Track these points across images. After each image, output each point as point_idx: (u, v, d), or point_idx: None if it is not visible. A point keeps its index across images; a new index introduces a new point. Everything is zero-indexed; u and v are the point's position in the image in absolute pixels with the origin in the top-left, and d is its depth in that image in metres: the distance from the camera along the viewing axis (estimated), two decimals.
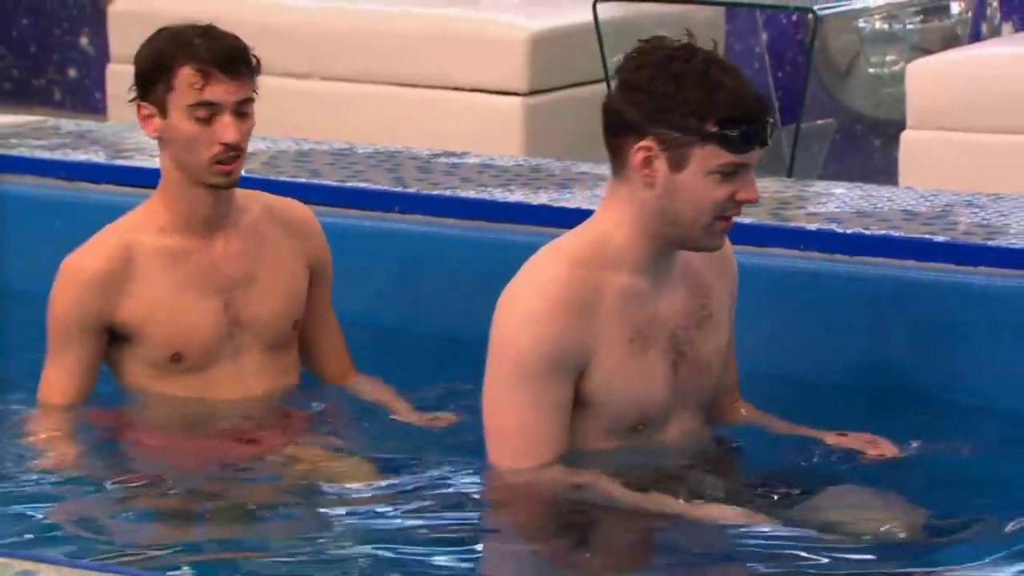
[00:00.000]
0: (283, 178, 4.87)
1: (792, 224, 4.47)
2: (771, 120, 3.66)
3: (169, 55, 3.88)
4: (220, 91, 3.85)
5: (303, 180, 4.86)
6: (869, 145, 6.51)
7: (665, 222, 3.67)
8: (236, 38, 3.92)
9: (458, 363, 4.30)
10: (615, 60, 6.27)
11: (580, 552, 3.66)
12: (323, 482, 3.85)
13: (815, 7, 5.89)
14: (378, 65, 6.53)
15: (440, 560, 3.51)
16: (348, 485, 3.83)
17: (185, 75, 3.85)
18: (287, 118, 6.19)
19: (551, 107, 6.41)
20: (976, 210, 4.39)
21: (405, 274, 4.64)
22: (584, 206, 4.58)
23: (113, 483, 3.79)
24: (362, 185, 4.81)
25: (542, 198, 4.66)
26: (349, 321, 4.21)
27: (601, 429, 3.75)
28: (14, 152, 5.12)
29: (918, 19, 6.36)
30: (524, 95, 6.39)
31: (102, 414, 4.03)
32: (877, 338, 4.21)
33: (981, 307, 4.10)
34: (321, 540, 3.56)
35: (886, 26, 6.46)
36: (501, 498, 3.81)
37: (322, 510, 3.74)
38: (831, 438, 3.91)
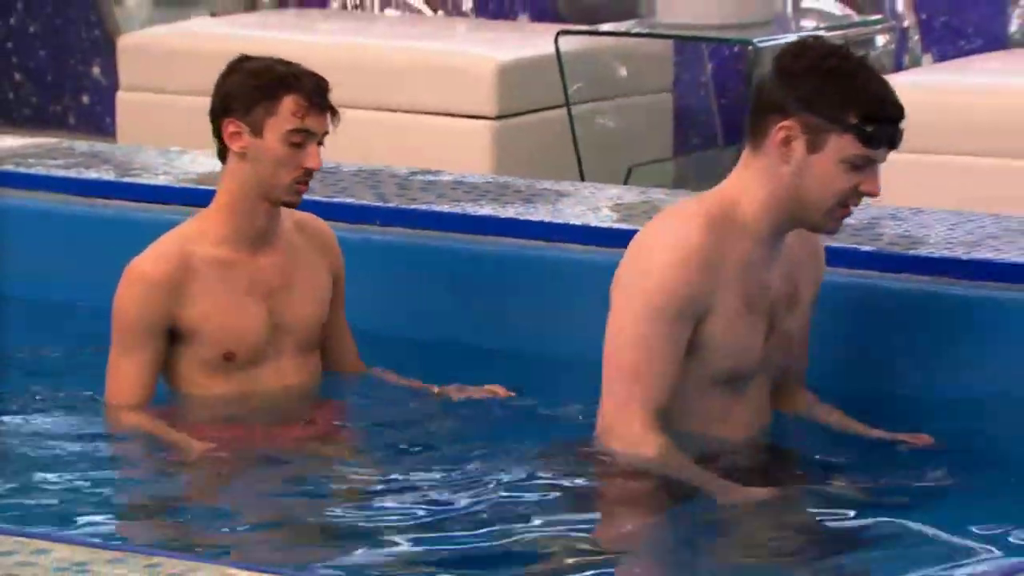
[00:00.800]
0: None
1: None
2: (903, 126, 3.71)
3: (276, 84, 3.92)
4: (315, 123, 3.91)
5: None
6: None
7: (792, 198, 3.71)
8: (325, 79, 3.98)
9: (447, 362, 4.34)
10: (575, 87, 6.30)
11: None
12: (357, 462, 3.91)
13: (754, 40, 5.90)
14: (363, 93, 6.51)
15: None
16: (380, 466, 3.88)
17: (289, 104, 3.90)
18: None
19: (517, 130, 6.41)
20: (899, 222, 4.39)
21: (386, 281, 4.62)
22: (547, 219, 4.58)
23: (178, 470, 3.85)
24: (347, 200, 4.80)
25: (509, 212, 4.65)
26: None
27: (702, 378, 3.77)
28: (33, 170, 5.10)
29: None
30: (493, 119, 6.38)
31: (163, 411, 4.01)
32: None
33: (906, 311, 4.10)
34: (362, 515, 3.61)
35: None
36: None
37: (361, 488, 3.78)
38: (890, 438, 3.91)
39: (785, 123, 3.68)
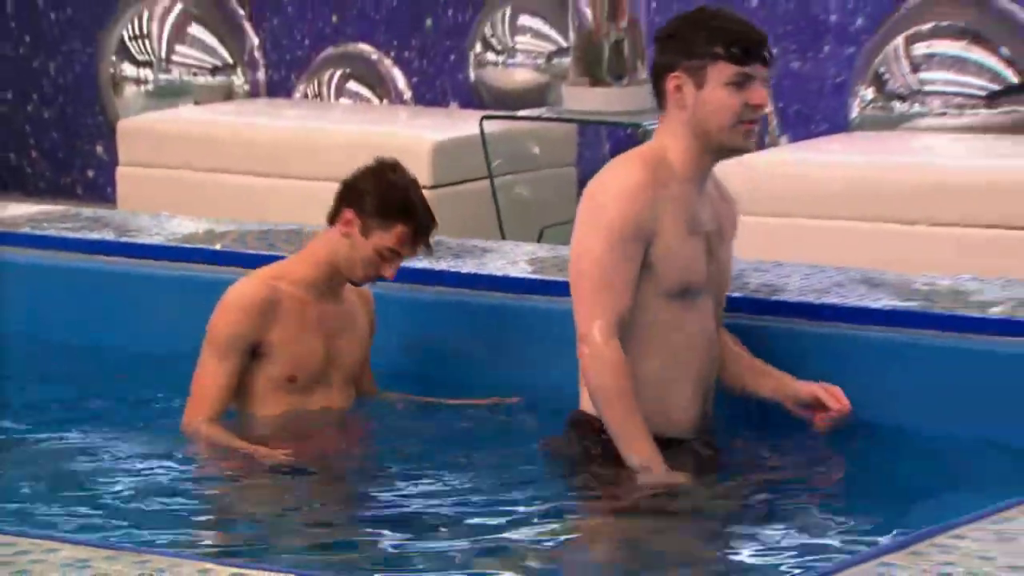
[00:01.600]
0: (248, 251, 4.84)
1: None
2: (770, 47, 3.78)
3: (397, 211, 4.01)
4: (409, 252, 4.05)
5: (264, 253, 4.83)
6: None
7: (700, 132, 3.74)
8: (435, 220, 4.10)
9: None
10: (496, 162, 6.32)
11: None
12: (385, 468, 3.95)
13: (643, 123, 5.92)
14: (321, 167, 6.49)
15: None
16: (410, 470, 3.90)
17: (399, 231, 3.99)
18: (253, 207, 6.18)
19: (449, 197, 6.41)
20: (762, 273, 4.40)
21: None
22: (474, 271, 4.57)
23: (239, 476, 3.88)
24: None
25: (442, 265, 4.65)
26: None
27: (656, 292, 3.76)
28: (46, 232, 5.07)
29: None
30: (429, 188, 6.36)
31: (232, 424, 4.04)
32: None
33: (769, 347, 4.09)
34: (392, 511, 3.63)
35: None
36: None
37: (398, 489, 3.78)
38: (800, 384, 3.89)
39: (672, 75, 3.74)
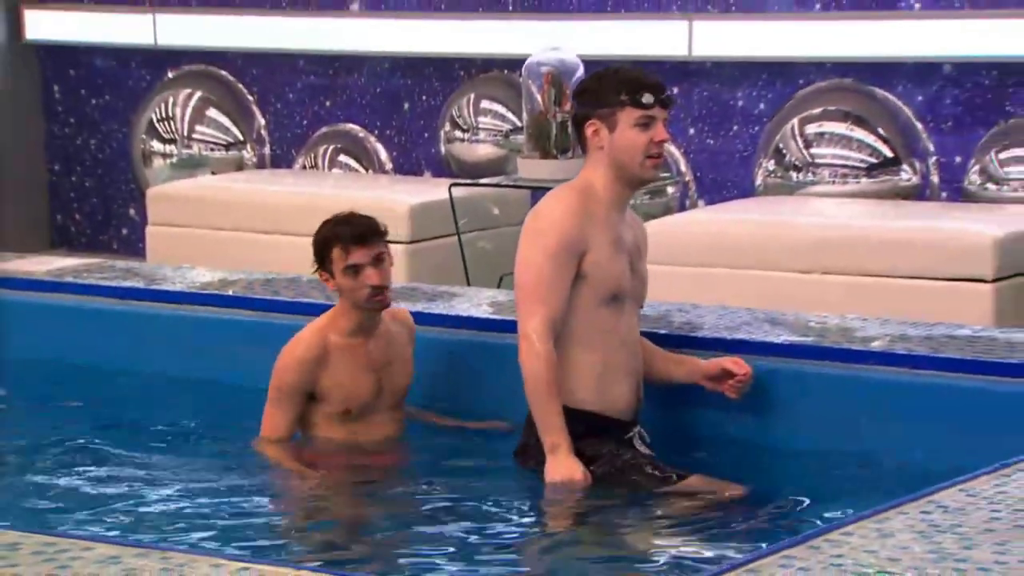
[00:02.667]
0: (255, 296, 4.82)
1: None
2: (668, 89, 3.85)
3: (324, 244, 3.94)
4: (361, 254, 3.91)
5: (269, 298, 4.81)
6: None
7: (616, 166, 3.78)
8: (365, 220, 3.96)
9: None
10: (463, 221, 6.31)
11: None
12: (420, 481, 3.89)
13: None
14: (313, 225, 6.46)
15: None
16: (435, 482, 3.84)
17: (336, 253, 3.92)
18: (260, 260, 6.16)
19: (423, 251, 6.40)
20: (684, 314, 4.40)
21: None
22: (445, 312, 4.54)
23: (310, 489, 3.83)
24: (306, 300, 4.76)
25: (419, 307, 4.62)
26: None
27: (593, 298, 3.77)
28: (86, 281, 5.05)
29: (646, 196, 6.41)
30: (407, 243, 6.37)
31: (297, 447, 3.99)
32: None
33: None
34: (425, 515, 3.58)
35: (632, 200, 6.48)
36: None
37: (448, 497, 3.74)
38: (707, 363, 3.91)
39: (590, 123, 3.78)
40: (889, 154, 6.15)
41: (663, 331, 4.15)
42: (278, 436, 3.96)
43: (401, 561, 3.39)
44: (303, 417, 3.99)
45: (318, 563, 3.29)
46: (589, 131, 3.78)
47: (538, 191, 6.45)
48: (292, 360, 3.95)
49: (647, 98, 3.76)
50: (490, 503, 3.70)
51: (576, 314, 3.75)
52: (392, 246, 6.34)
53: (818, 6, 6.21)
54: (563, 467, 3.66)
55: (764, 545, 2.94)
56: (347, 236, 3.92)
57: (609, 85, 3.78)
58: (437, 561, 3.36)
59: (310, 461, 3.94)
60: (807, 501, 3.68)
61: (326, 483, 3.87)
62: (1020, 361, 3.88)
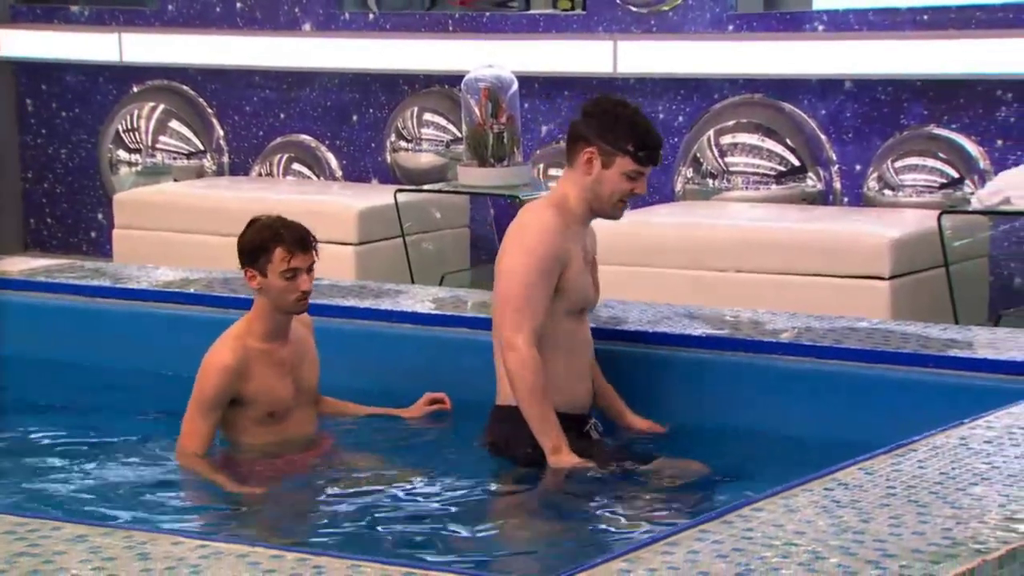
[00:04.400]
0: (215, 294, 4.78)
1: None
2: (662, 152, 3.77)
3: (268, 240, 3.75)
4: (300, 261, 3.76)
5: (227, 295, 4.77)
6: None
7: (592, 197, 3.71)
8: (304, 228, 3.80)
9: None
10: (407, 224, 6.29)
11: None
12: (361, 471, 3.76)
13: (519, 194, 5.92)
14: None
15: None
16: (378, 471, 3.75)
17: (279, 253, 3.74)
18: (219, 260, 6.09)
19: (370, 251, 6.39)
20: (610, 309, 4.41)
21: None
22: (393, 308, 4.53)
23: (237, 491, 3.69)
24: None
25: (366, 303, 4.62)
26: None
27: (564, 309, 3.73)
28: (58, 280, 5.00)
29: None
30: (355, 244, 6.36)
31: (222, 455, 3.84)
32: None
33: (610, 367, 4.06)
34: (356, 504, 3.49)
35: None
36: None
37: (364, 491, 3.63)
38: (631, 419, 3.91)
39: (588, 149, 3.69)
40: (796, 163, 6.19)
41: (592, 325, 4.16)
42: (201, 443, 3.74)
43: (350, 538, 3.36)
44: (225, 422, 3.81)
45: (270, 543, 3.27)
46: (584, 155, 3.68)
47: (477, 196, 6.47)
48: (216, 369, 3.74)
49: (649, 158, 3.68)
50: (422, 481, 3.66)
51: (548, 323, 3.70)
52: (342, 247, 6.49)
53: (731, 28, 6.23)
54: (569, 467, 3.61)
55: (680, 522, 2.95)
56: (291, 240, 3.76)
57: (622, 128, 3.67)
58: (380, 532, 3.34)
59: (237, 471, 3.77)
60: (720, 479, 3.69)
61: (258, 490, 3.71)
62: (913, 351, 3.92)
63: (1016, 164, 5.66)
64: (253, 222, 3.86)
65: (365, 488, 3.64)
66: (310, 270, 3.80)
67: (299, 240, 3.78)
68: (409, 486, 3.64)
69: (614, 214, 3.76)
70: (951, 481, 2.82)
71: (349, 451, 3.95)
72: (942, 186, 5.86)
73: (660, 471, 3.68)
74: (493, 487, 3.69)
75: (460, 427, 4.03)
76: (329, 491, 3.66)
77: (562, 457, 3.62)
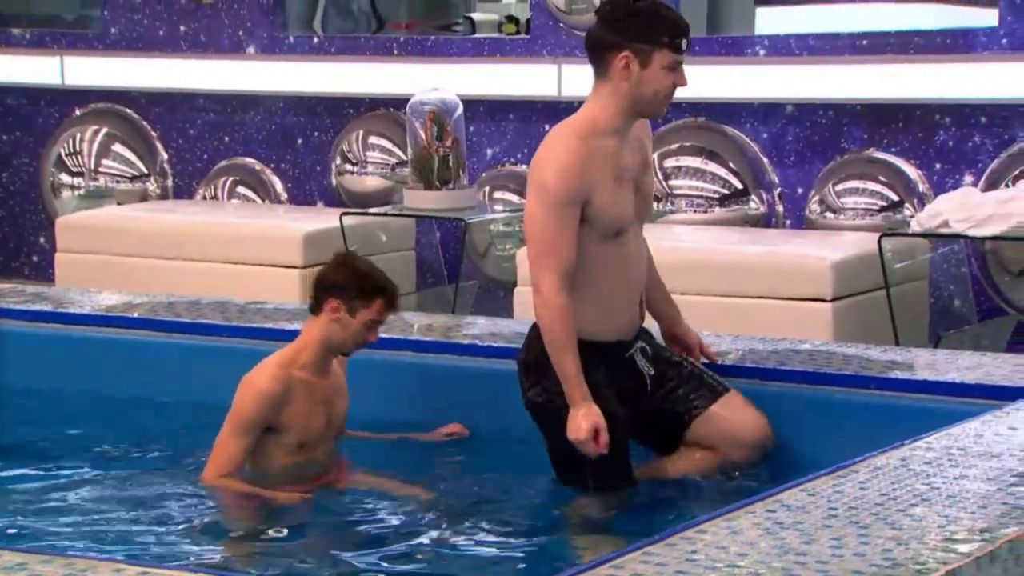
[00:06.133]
0: (157, 318, 4.76)
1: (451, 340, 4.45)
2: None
3: (375, 291, 3.79)
4: (386, 317, 3.83)
5: (169, 319, 4.76)
6: (497, 296, 6.53)
7: (636, 101, 3.59)
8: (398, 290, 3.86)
9: None
10: (353, 247, 6.27)
11: None
12: (383, 497, 3.77)
13: (465, 218, 5.93)
14: (217, 252, 6.44)
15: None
16: (399, 494, 3.78)
17: (378, 305, 3.77)
18: (162, 284, 6.09)
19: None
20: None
21: (240, 375, 4.53)
22: None
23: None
24: (204, 321, 4.71)
25: None
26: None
27: (595, 237, 3.60)
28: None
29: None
30: (302, 268, 6.34)
31: (250, 480, 3.81)
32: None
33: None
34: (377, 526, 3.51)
35: (507, 228, 6.52)
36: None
37: (384, 517, 3.65)
38: (682, 330, 3.88)
39: (622, 54, 3.56)
40: (739, 186, 6.23)
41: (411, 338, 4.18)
42: (232, 466, 3.74)
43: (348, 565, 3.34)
44: (257, 450, 3.79)
45: (239, 570, 3.24)
46: (619, 61, 3.55)
47: (423, 219, 6.48)
48: (258, 394, 3.73)
49: (684, 45, 3.59)
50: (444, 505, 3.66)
51: (580, 252, 3.57)
52: (287, 271, 6.47)
53: None
54: (587, 416, 3.53)
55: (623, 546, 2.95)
56: (392, 300, 3.82)
57: (651, 23, 3.57)
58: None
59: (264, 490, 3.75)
60: (666, 501, 3.70)
61: (280, 500, 3.70)
62: (854, 373, 3.95)
63: (954, 187, 5.72)
64: (356, 262, 3.90)
65: (370, 518, 3.65)
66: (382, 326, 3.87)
67: (396, 302, 3.84)
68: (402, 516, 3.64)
69: (660, 111, 3.65)
70: (892, 502, 2.84)
71: (366, 475, 3.93)
72: (882, 209, 5.92)
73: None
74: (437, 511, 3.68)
75: (436, 452, 4.02)
76: (342, 523, 3.64)
77: (579, 410, 3.53)
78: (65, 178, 7.44)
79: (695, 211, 6.25)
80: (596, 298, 3.66)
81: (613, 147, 3.62)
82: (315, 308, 3.85)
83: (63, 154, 7.43)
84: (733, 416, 3.79)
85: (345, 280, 3.81)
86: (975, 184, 5.75)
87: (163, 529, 3.52)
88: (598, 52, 3.62)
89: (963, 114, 5.80)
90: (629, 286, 3.73)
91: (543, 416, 3.68)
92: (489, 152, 6.66)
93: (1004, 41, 5.70)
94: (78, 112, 7.46)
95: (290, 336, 4.49)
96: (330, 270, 3.88)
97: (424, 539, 3.45)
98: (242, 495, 3.74)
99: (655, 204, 6.28)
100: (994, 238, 5.33)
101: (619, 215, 3.66)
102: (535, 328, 3.68)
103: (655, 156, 6.33)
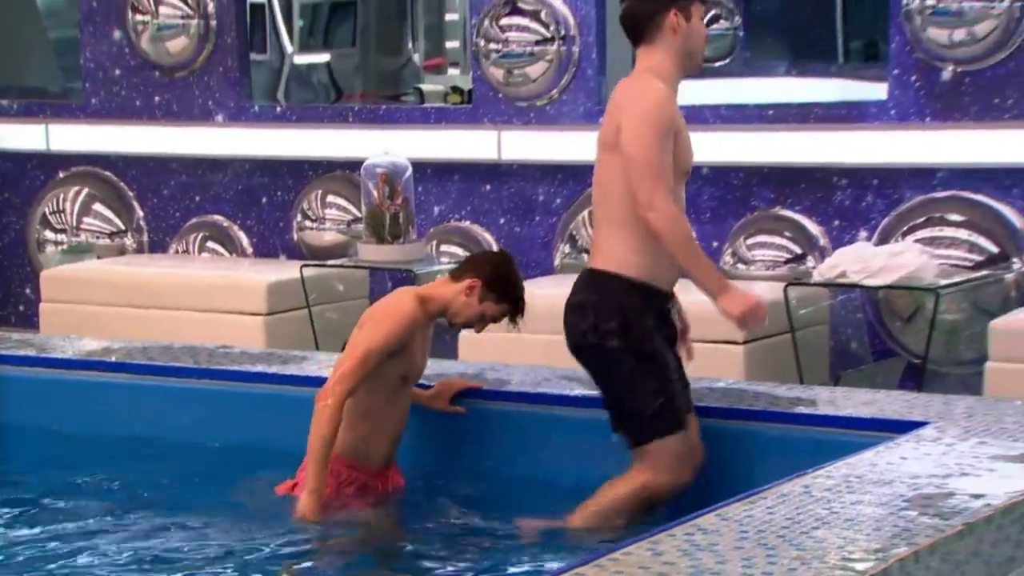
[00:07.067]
0: (134, 362, 4.73)
1: None
2: None
3: (515, 299, 3.83)
4: (499, 321, 3.93)
5: (144, 363, 4.72)
6: (444, 340, 6.51)
7: (686, 54, 3.62)
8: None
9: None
10: (312, 296, 6.25)
11: None
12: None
13: (413, 269, 5.92)
14: (189, 302, 6.40)
15: None
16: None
17: (505, 307, 3.85)
18: (139, 331, 6.04)
19: (279, 321, 6.34)
20: (495, 372, 4.40)
21: (209, 415, 4.50)
22: (297, 373, 4.50)
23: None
24: (173, 364, 4.69)
25: (274, 368, 4.59)
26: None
27: (677, 171, 3.59)
28: None
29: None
30: (265, 315, 6.31)
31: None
32: None
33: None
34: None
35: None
36: None
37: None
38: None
39: (671, 12, 3.60)
40: None
41: (483, 387, 4.17)
42: (352, 386, 3.67)
43: None
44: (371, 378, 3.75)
45: None
46: (669, 21, 3.58)
47: (376, 271, 6.48)
48: (406, 315, 3.75)
49: None
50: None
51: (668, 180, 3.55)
52: (252, 317, 6.45)
53: (600, 120, 6.33)
54: (739, 299, 3.50)
55: (553, 567, 2.96)
56: (516, 313, 3.85)
57: None
58: None
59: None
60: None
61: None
62: (763, 408, 3.98)
63: (851, 242, 5.81)
64: (511, 266, 3.89)
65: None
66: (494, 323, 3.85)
67: (518, 318, 3.86)
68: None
69: (700, 63, 3.66)
70: (796, 525, 2.86)
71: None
72: (788, 261, 5.98)
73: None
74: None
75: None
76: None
77: (731, 294, 3.50)
78: (49, 234, 7.39)
79: None
80: (657, 245, 3.59)
81: (674, 97, 3.64)
82: (457, 275, 3.86)
83: (48, 213, 7.38)
84: (694, 434, 3.79)
85: (495, 275, 3.84)
86: (869, 239, 5.83)
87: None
88: (644, 20, 3.64)
89: (858, 177, 5.89)
90: None
91: (595, 356, 3.64)
92: (436, 209, 6.68)
93: (892, 112, 5.81)
94: (61, 175, 7.42)
95: (256, 377, 4.50)
96: (491, 259, 3.92)
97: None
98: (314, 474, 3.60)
99: (584, 256, 6.32)
100: (886, 287, 5.41)
101: (690, 152, 3.68)
102: (587, 273, 3.66)
103: (585, 213, 6.36)
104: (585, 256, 6.33)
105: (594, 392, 4.15)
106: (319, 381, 4.39)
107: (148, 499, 3.99)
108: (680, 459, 3.65)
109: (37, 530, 3.68)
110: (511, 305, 3.85)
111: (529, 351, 5.55)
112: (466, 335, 5.63)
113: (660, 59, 3.63)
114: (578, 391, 4.17)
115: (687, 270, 3.56)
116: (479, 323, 3.86)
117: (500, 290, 3.83)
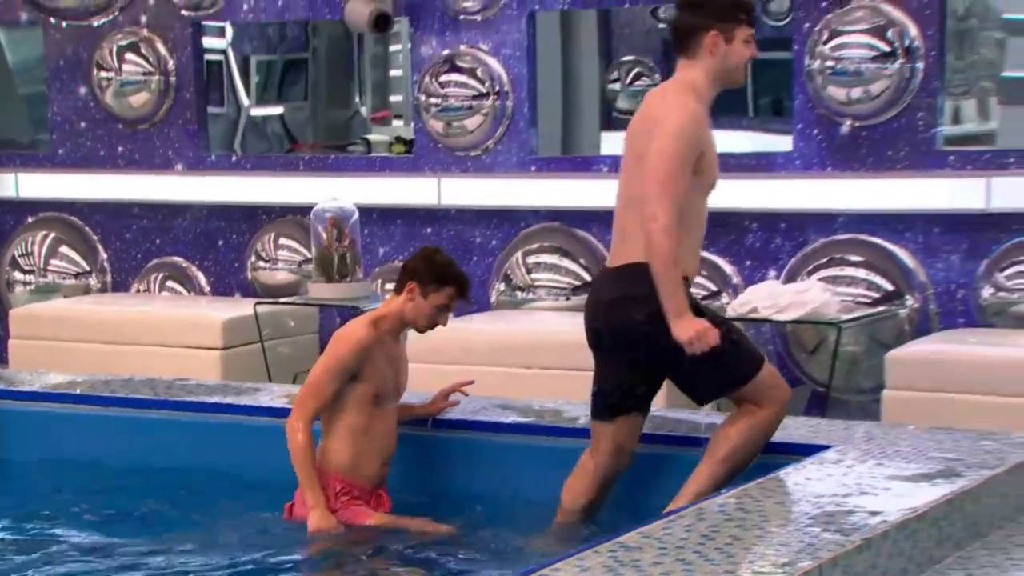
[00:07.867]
0: (99, 394, 4.66)
1: None
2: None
3: (451, 278, 3.75)
4: (455, 305, 3.82)
5: (108, 395, 4.66)
6: None
7: (722, 73, 3.56)
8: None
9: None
10: (265, 331, 6.21)
11: None
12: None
13: (360, 306, 5.89)
14: (151, 337, 6.34)
15: None
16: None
17: (450, 291, 3.77)
18: (103, 365, 5.96)
19: (233, 355, 6.28)
20: None
21: (165, 445, 4.43)
22: (251, 403, 4.46)
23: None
24: (133, 396, 4.63)
25: (228, 399, 4.54)
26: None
27: (699, 189, 3.55)
28: None
29: None
30: (221, 349, 6.26)
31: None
32: None
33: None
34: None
35: None
36: None
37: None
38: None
39: (711, 33, 3.54)
40: (588, 278, 6.30)
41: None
42: (316, 407, 3.62)
43: None
44: (338, 397, 3.70)
45: None
46: (709, 40, 3.52)
47: (325, 307, 6.44)
48: (355, 342, 3.69)
49: (754, 19, 3.60)
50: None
51: (689, 202, 3.51)
52: (209, 352, 6.39)
53: (534, 168, 6.37)
54: (691, 326, 3.45)
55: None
56: (463, 290, 3.77)
57: (731, 4, 3.56)
58: None
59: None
60: (535, 542, 3.69)
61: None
62: (684, 434, 3.99)
63: (762, 280, 5.87)
64: (436, 255, 3.81)
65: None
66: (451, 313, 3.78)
67: (466, 292, 3.77)
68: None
69: (740, 80, 3.58)
70: (711, 542, 2.88)
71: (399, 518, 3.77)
72: (704, 298, 6.03)
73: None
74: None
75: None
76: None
77: (683, 321, 3.46)
78: (18, 275, 7.28)
79: (554, 299, 6.30)
80: (693, 243, 3.60)
81: (707, 114, 3.60)
82: (397, 287, 3.80)
83: (17, 255, 7.29)
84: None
85: (424, 268, 3.78)
86: (777, 277, 5.90)
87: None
88: (687, 35, 3.59)
89: (767, 221, 5.96)
90: (702, 237, 3.71)
91: (652, 344, 3.58)
92: (381, 251, 6.68)
93: (797, 162, 5.89)
94: (30, 219, 7.32)
95: (211, 408, 4.45)
96: (416, 257, 3.84)
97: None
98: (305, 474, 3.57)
99: (519, 293, 6.34)
100: (793, 322, 5.47)
101: (716, 170, 3.65)
102: (623, 269, 3.60)
103: (519, 253, 6.38)
104: (519, 294, 6.35)
105: (527, 419, 4.15)
106: (271, 411, 4.40)
107: (106, 520, 3.95)
108: (773, 386, 3.65)
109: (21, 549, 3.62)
110: (454, 286, 3.79)
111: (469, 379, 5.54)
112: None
113: (696, 74, 3.59)
114: (512, 418, 4.17)
115: (659, 284, 3.54)
116: (440, 316, 3.80)
117: (435, 278, 3.75)
